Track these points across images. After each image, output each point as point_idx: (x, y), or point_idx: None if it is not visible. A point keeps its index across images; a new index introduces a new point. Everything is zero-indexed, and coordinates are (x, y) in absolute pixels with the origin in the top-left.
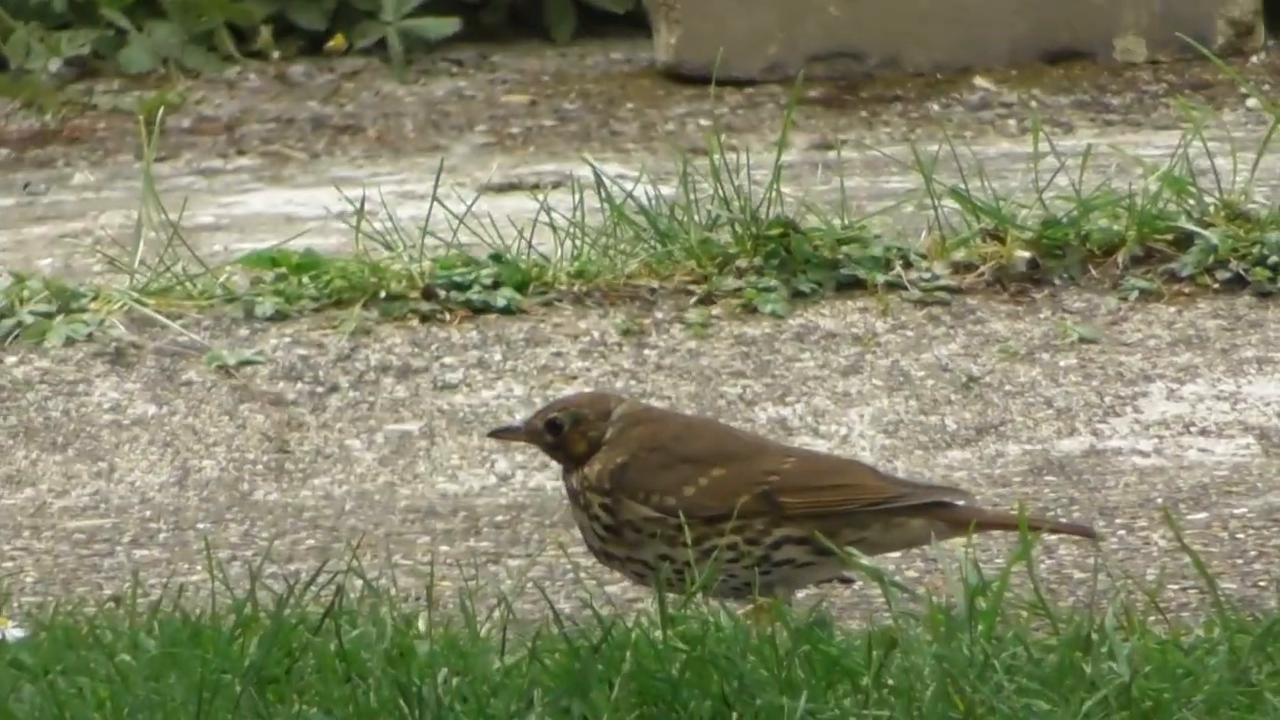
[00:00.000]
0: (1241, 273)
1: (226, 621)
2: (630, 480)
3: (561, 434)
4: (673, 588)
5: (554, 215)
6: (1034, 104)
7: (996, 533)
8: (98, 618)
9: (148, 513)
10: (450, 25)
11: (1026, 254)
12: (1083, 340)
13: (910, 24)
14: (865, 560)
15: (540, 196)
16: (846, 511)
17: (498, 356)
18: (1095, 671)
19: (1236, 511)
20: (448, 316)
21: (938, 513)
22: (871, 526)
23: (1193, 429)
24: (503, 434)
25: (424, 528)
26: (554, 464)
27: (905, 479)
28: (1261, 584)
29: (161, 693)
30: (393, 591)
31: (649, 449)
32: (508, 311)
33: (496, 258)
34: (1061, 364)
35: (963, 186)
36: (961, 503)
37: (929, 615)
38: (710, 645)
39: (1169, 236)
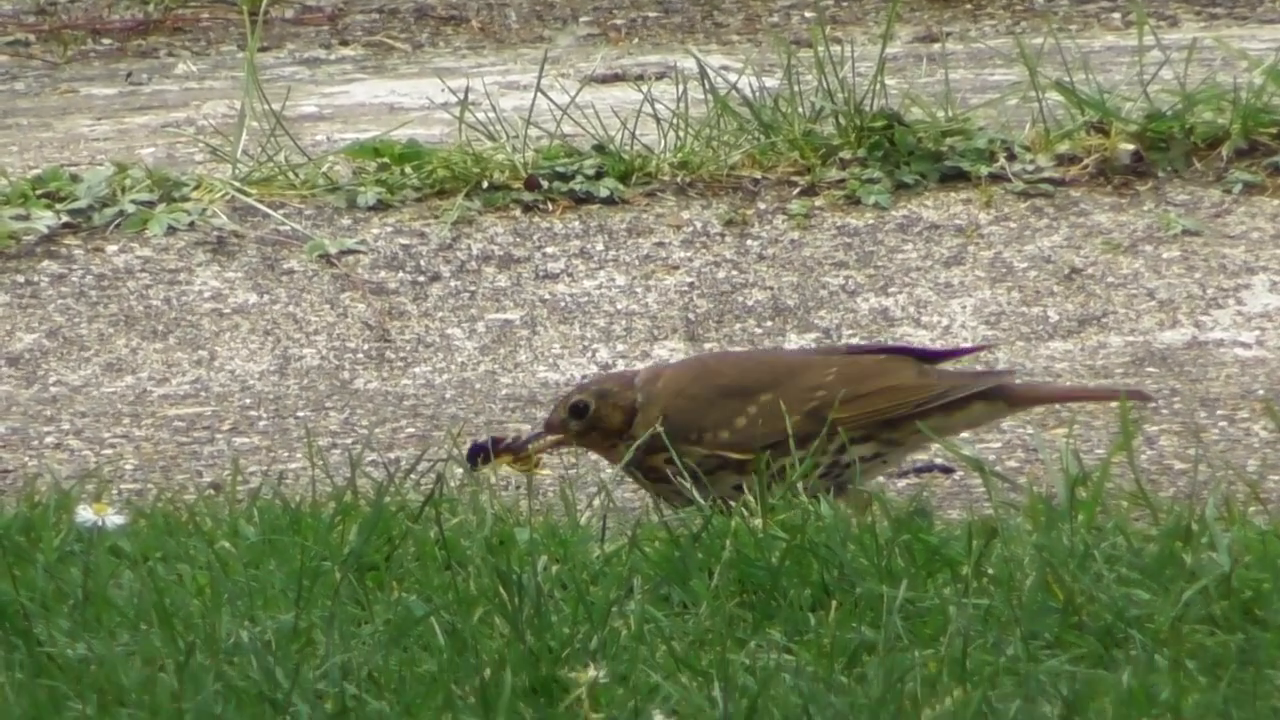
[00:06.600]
0: None
1: (326, 509)
2: (678, 426)
3: (589, 414)
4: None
5: (657, 106)
6: None
7: (1098, 423)
8: (197, 505)
9: (248, 400)
10: None
11: (1130, 147)
12: (1186, 233)
13: None
14: (966, 451)
15: (644, 88)
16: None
17: (600, 246)
18: (1195, 561)
19: None
20: (550, 206)
21: (996, 394)
22: (934, 416)
23: None
24: (524, 445)
25: (525, 416)
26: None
27: (950, 371)
28: None
29: (261, 580)
30: (493, 480)
31: (680, 394)
32: (610, 202)
33: (600, 148)
34: (1164, 256)
35: (1067, 79)
36: (1018, 382)
37: (1029, 505)
38: (810, 534)
39: (1273, 130)
